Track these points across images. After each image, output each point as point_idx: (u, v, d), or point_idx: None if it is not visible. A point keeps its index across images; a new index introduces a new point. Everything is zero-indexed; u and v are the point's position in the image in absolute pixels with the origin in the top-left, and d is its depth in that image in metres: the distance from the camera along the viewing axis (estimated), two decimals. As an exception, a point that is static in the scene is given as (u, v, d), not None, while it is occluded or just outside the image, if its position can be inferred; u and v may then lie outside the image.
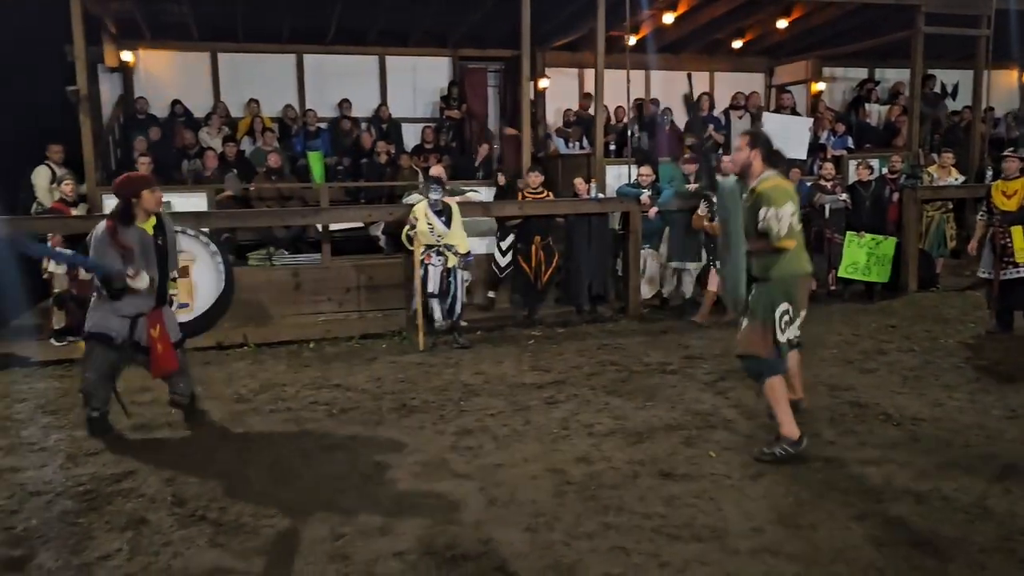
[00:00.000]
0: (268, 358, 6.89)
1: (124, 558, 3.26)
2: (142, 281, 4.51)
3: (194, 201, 8.31)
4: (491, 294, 8.78)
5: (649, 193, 8.17)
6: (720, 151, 10.77)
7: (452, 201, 7.27)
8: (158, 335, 4.69)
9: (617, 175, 9.28)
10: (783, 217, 4.01)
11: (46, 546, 3.36)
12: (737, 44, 12.64)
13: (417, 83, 12.28)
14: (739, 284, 4.27)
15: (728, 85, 12.87)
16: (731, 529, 3.44)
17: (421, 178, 10.04)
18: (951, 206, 9.68)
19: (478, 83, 12.74)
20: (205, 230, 6.86)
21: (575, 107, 12.22)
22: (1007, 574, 3.06)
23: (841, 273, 8.93)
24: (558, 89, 12.34)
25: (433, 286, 7.04)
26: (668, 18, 10.76)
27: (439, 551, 3.28)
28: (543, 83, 11.94)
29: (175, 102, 10.73)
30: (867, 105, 12.41)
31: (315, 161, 10.22)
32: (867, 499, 3.73)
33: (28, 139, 8.67)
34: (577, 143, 11.22)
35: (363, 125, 11.37)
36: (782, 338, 4.15)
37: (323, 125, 11.24)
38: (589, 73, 12.28)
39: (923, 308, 8.46)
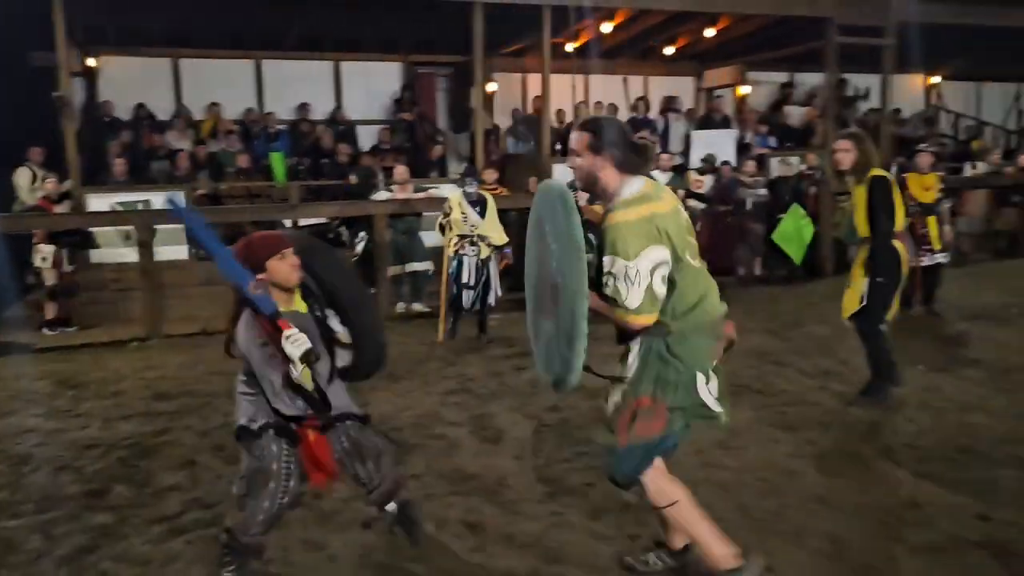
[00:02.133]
0: (254, 342, 7.49)
1: (189, 486, 3.94)
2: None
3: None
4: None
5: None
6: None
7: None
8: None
9: (564, 172, 10.12)
10: (638, 273, 2.56)
11: (117, 482, 4.00)
12: (669, 51, 13.65)
13: (370, 87, 12.92)
14: (569, 360, 2.60)
15: (661, 89, 13.89)
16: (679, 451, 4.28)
17: (381, 177, 10.72)
18: (861, 198, 10.80)
19: (428, 87, 13.49)
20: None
21: (512, 110, 13.06)
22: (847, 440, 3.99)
23: (774, 237, 9.83)
24: (504, 93, 13.16)
25: (467, 276, 7.04)
26: (607, 27, 11.69)
27: (448, 474, 4.05)
28: (491, 87, 12.71)
29: (139, 105, 11.15)
30: (787, 107, 13.59)
31: (277, 162, 10.79)
32: (789, 428, 4.63)
33: (4, 143, 9.05)
34: (525, 143, 12.05)
35: (320, 127, 11.99)
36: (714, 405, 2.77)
37: (283, 127, 11.81)
38: (531, 78, 13.17)
39: (838, 290, 9.40)
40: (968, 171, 11.76)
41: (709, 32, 12.45)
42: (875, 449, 4.27)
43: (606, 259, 2.62)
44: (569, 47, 10.75)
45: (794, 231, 9.90)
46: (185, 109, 11.52)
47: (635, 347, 2.77)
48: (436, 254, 9.10)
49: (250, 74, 12.19)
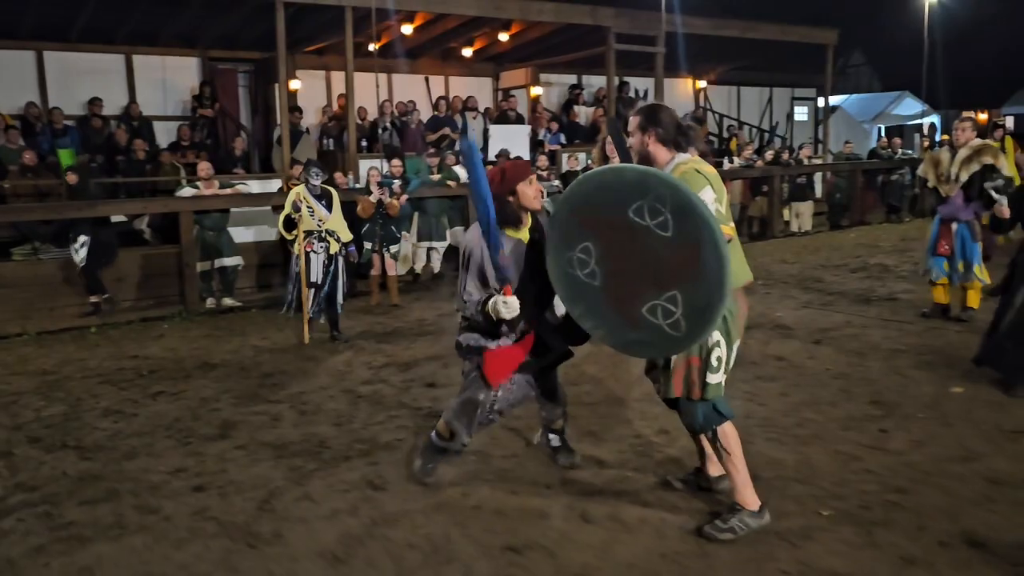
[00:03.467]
0: (54, 342, 7.31)
1: (8, 474, 4.02)
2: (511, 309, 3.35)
3: (-50, 199, 8.31)
4: (93, 299, 8.38)
5: (399, 183, 9.52)
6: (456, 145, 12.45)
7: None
8: None
9: (368, 169, 10.51)
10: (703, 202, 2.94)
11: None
12: (467, 53, 14.38)
13: (167, 82, 12.62)
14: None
15: (461, 89, 14.60)
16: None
17: (183, 173, 10.60)
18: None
19: (229, 83, 13.34)
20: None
21: (323, 107, 13.26)
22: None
23: None
24: (308, 90, 13.30)
25: (315, 275, 6.73)
26: (407, 29, 12.19)
27: (271, 443, 4.41)
28: (294, 84, 12.81)
29: (-101, 98, 10.27)
30: (576, 107, 14.76)
31: (66, 158, 10.35)
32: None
33: None
34: (334, 140, 12.31)
35: (113, 123, 11.58)
36: (712, 379, 3.19)
37: (71, 123, 11.28)
38: (335, 76, 13.42)
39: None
40: (727, 165, 13.41)
41: (503, 36, 13.31)
42: (643, 393, 5.10)
43: None
44: (372, 47, 11.13)
45: None
46: (-46, 102, 10.73)
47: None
48: (246, 250, 9.26)
49: (31, 66, 11.53)
